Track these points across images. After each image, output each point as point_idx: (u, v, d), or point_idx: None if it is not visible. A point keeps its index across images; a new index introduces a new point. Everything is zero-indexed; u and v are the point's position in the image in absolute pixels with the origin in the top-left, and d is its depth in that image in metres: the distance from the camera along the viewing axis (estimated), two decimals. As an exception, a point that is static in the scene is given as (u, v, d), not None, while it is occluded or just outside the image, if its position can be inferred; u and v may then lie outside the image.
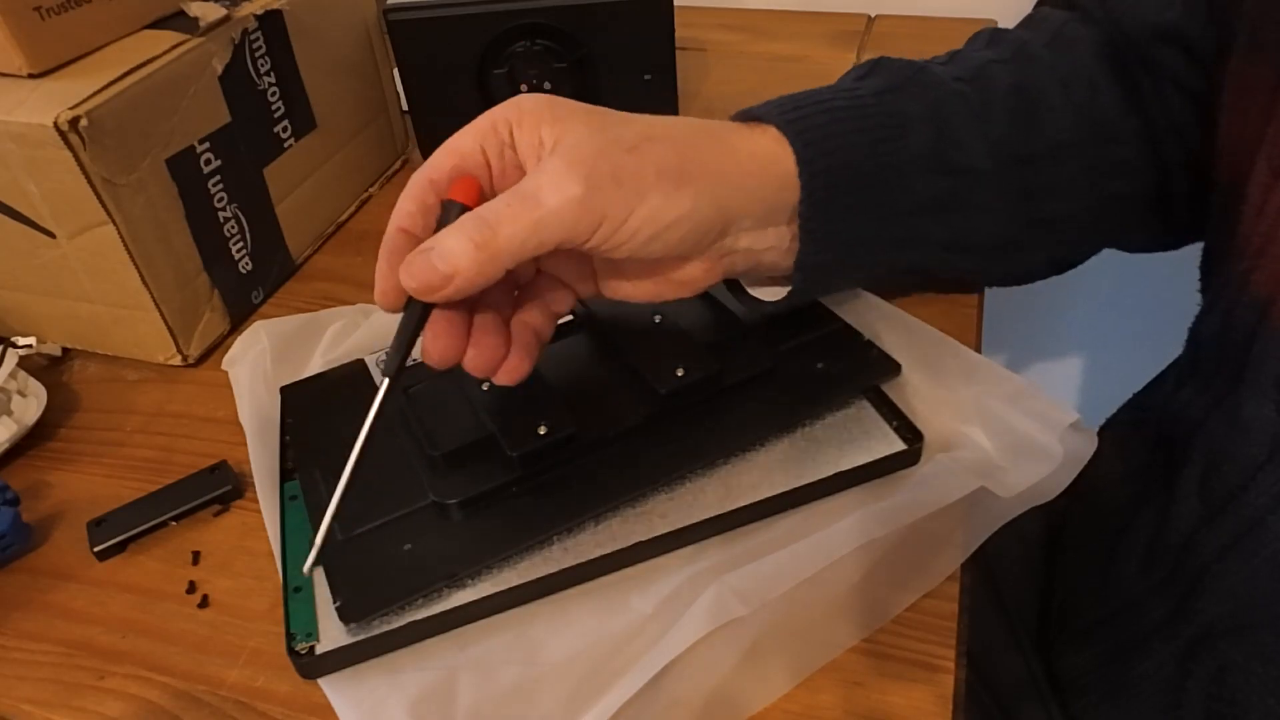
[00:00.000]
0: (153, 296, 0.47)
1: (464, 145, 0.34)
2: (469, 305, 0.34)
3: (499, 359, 0.35)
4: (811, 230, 0.37)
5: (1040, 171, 0.41)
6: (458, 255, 0.31)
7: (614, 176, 0.32)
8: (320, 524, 0.37)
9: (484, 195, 0.34)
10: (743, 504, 0.36)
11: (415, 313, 0.33)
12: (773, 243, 0.37)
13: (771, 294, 0.41)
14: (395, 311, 0.34)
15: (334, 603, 0.33)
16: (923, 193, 0.38)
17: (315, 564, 0.34)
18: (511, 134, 0.34)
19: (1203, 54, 0.41)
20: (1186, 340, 0.44)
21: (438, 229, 0.33)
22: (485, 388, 0.39)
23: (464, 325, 0.34)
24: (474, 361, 0.34)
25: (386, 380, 0.33)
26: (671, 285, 0.38)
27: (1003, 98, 0.40)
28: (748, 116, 0.38)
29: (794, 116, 0.37)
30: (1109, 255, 0.48)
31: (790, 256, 0.38)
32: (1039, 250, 0.44)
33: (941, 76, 0.40)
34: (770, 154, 0.36)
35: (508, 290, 0.37)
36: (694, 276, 0.37)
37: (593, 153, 0.32)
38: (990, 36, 0.45)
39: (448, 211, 0.33)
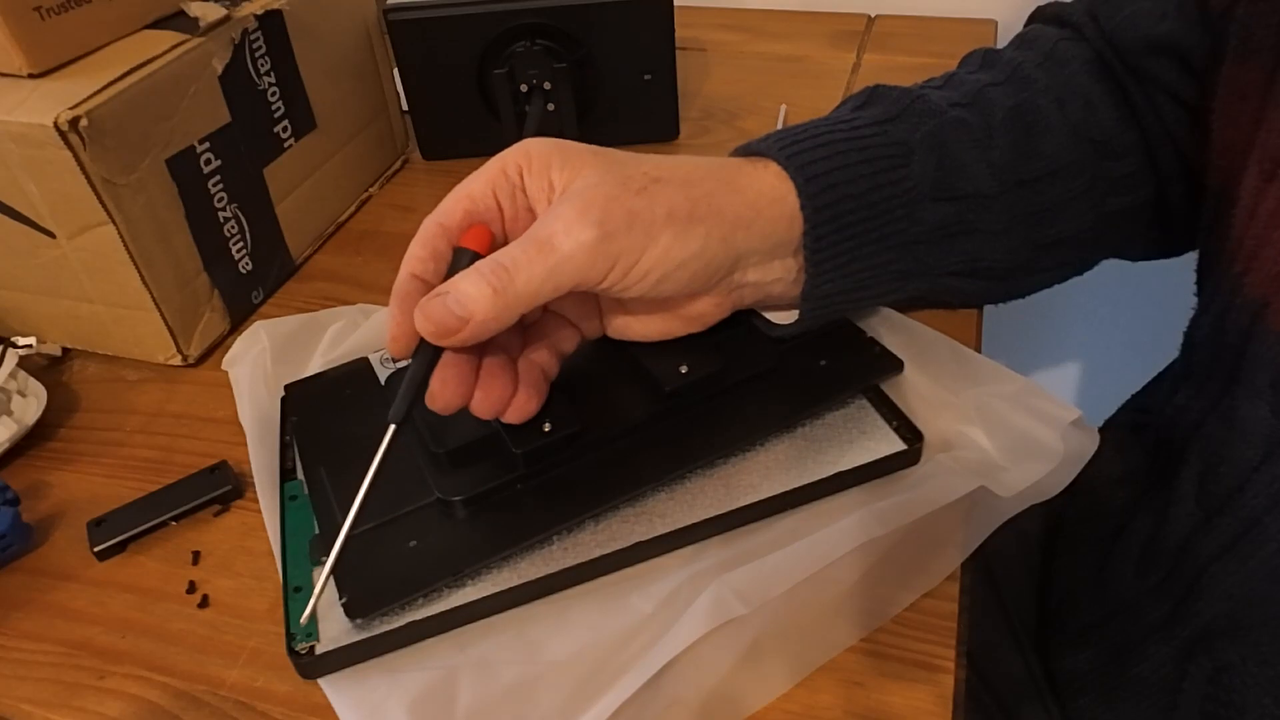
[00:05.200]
0: (153, 296, 0.47)
1: (475, 189, 0.35)
2: (478, 349, 0.35)
3: (507, 399, 0.35)
4: (818, 263, 0.37)
5: (1042, 193, 0.41)
6: (475, 300, 0.31)
7: (626, 220, 0.32)
8: (318, 527, 0.37)
9: (495, 241, 0.35)
10: (743, 504, 0.37)
11: (426, 357, 0.33)
12: (780, 275, 0.37)
13: (783, 317, 0.41)
14: (406, 357, 0.34)
15: (340, 599, 0.33)
16: (928, 221, 0.38)
17: (311, 613, 0.33)
18: (522, 177, 0.35)
19: (1197, 63, 0.41)
20: (1182, 342, 0.44)
21: (448, 276, 0.33)
22: None
23: (472, 370, 0.34)
24: (482, 404, 0.34)
25: (393, 426, 0.33)
26: (680, 321, 0.38)
27: (1002, 121, 0.40)
28: (748, 151, 0.38)
29: (794, 151, 0.37)
30: (1108, 259, 0.48)
31: (797, 287, 0.38)
32: (1044, 272, 0.44)
33: (939, 103, 0.40)
34: (775, 190, 0.36)
35: (515, 332, 0.37)
36: (703, 311, 0.38)
37: (604, 197, 0.33)
38: (983, 58, 0.45)
39: (459, 259, 0.34)
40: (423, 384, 0.33)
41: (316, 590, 0.33)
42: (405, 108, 0.65)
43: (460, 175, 0.36)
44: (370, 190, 0.64)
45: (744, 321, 0.41)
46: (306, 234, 0.58)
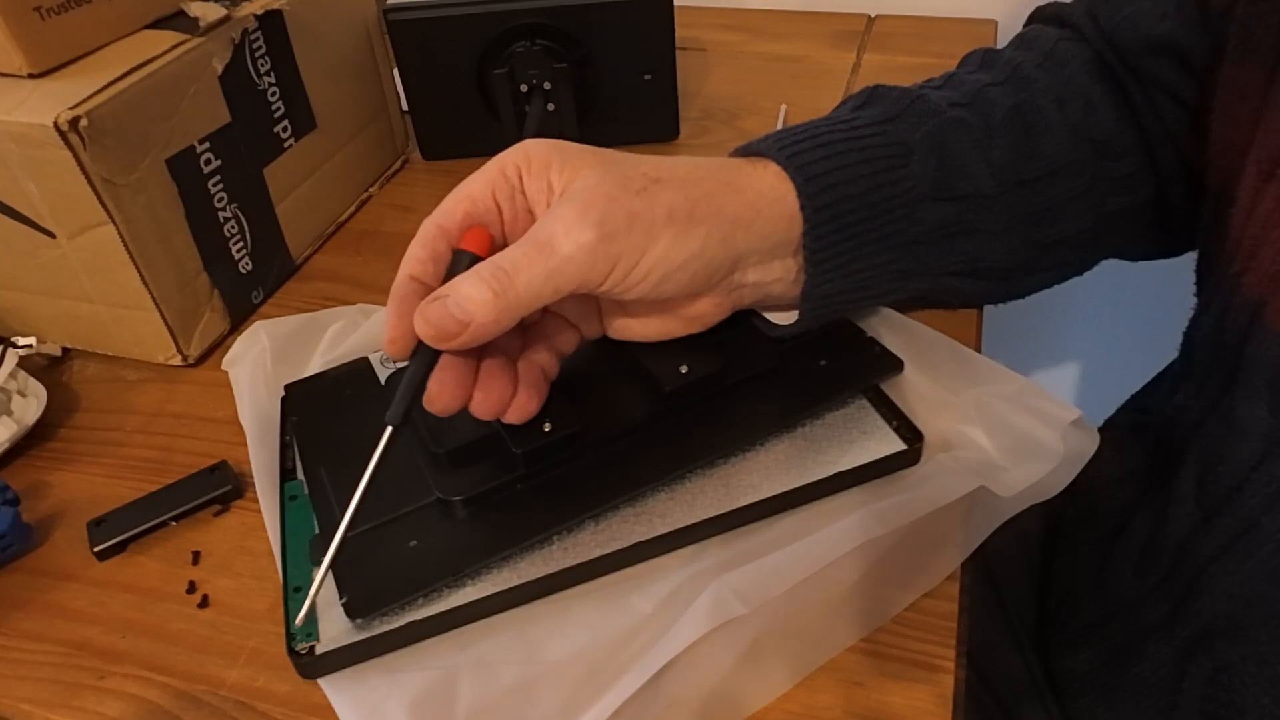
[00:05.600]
0: (153, 296, 0.47)
1: (475, 190, 0.35)
2: (477, 350, 0.34)
3: (507, 400, 0.35)
4: (818, 263, 0.37)
5: (1042, 193, 0.41)
6: (475, 303, 0.31)
7: (626, 221, 0.32)
8: (318, 527, 0.37)
9: (494, 243, 0.34)
10: (743, 504, 0.37)
11: (424, 359, 0.33)
12: (780, 275, 0.37)
13: (783, 317, 0.41)
14: (404, 359, 0.34)
15: (340, 599, 0.33)
16: (928, 220, 0.38)
17: (307, 614, 0.33)
18: (521, 179, 0.35)
19: (1197, 63, 0.41)
20: (1182, 343, 0.44)
21: (447, 278, 0.33)
22: None
23: (471, 372, 0.34)
24: (482, 405, 0.34)
25: (390, 428, 0.33)
26: (680, 322, 0.38)
27: (1002, 121, 0.40)
28: (748, 151, 0.38)
29: (794, 151, 0.37)
30: (1108, 259, 0.48)
31: (797, 287, 0.38)
32: (1044, 272, 0.44)
33: (939, 103, 0.40)
34: (774, 190, 0.36)
35: (515, 332, 0.37)
36: (703, 312, 0.38)
37: (604, 198, 0.32)
38: (983, 58, 0.45)
39: (458, 261, 0.34)
40: (421, 386, 0.33)
41: (312, 591, 0.33)
42: (405, 108, 0.65)
43: (460, 175, 0.35)
44: (370, 190, 0.64)
45: (744, 321, 0.41)
46: (306, 234, 0.58)
